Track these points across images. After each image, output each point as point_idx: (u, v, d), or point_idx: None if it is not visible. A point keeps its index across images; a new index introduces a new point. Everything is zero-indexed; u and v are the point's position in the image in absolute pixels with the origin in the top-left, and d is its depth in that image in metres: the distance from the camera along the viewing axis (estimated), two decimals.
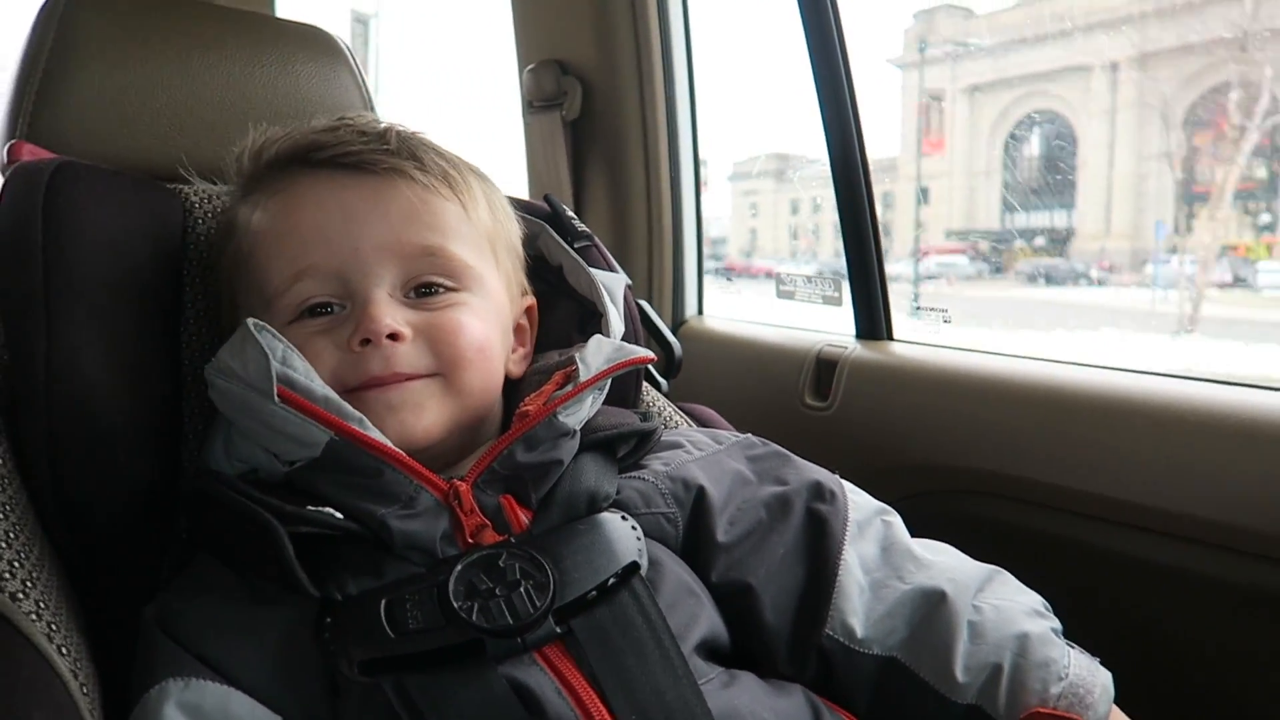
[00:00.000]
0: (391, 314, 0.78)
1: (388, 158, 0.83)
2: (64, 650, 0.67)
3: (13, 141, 0.94)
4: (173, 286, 0.89)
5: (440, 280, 0.82)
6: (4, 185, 0.81)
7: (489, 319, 0.84)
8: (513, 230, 0.94)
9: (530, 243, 1.01)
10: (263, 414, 0.73)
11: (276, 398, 0.73)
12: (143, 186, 0.91)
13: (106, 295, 0.80)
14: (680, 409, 1.14)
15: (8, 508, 0.72)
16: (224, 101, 1.07)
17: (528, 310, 0.94)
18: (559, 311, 0.99)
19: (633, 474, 0.83)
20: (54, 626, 0.68)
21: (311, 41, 1.20)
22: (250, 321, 0.76)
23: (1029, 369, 1.39)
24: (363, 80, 1.23)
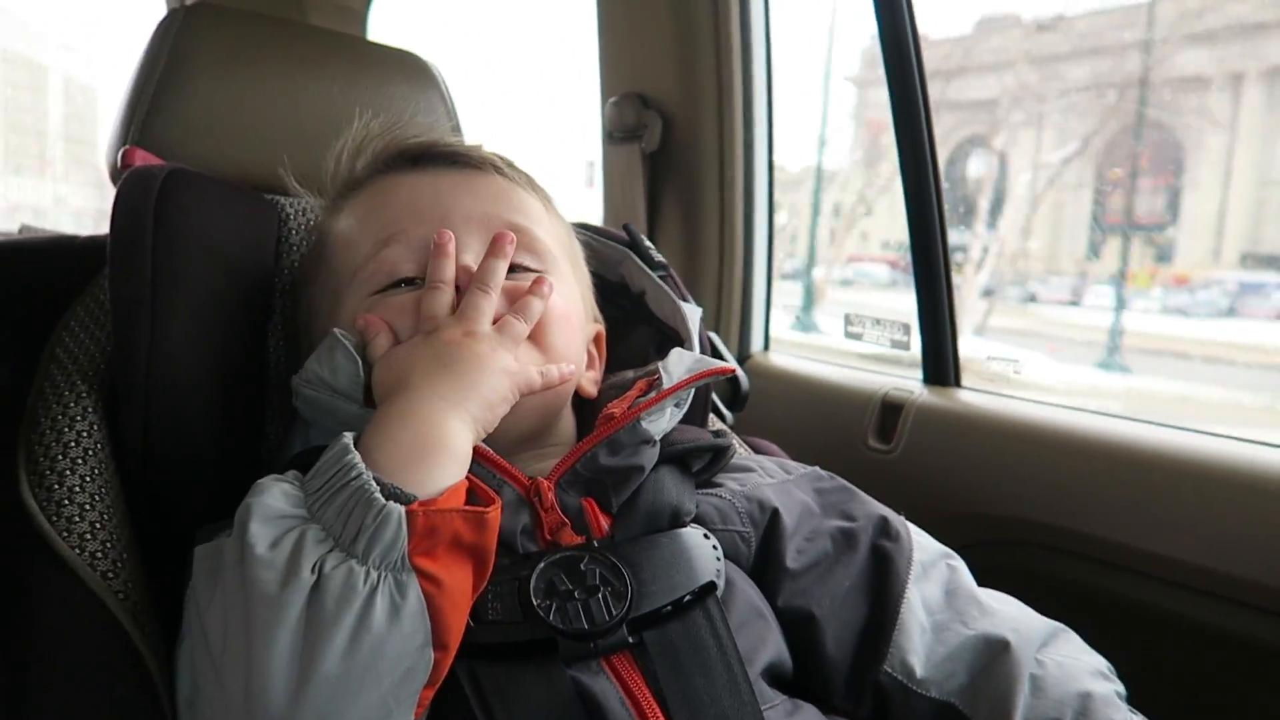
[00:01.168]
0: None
1: (479, 152, 0.90)
2: (146, 631, 0.71)
3: (126, 147, 1.00)
4: (264, 292, 0.93)
5: (524, 260, 0.84)
6: (119, 187, 0.85)
7: (571, 300, 0.87)
8: (582, 256, 0.98)
9: (613, 268, 1.04)
10: (347, 417, 0.76)
11: (361, 405, 0.75)
12: (244, 195, 0.96)
13: (206, 297, 0.84)
14: (745, 441, 1.15)
15: (103, 491, 0.76)
16: (321, 119, 1.11)
17: (597, 339, 0.95)
18: (637, 335, 1.01)
19: (709, 491, 0.84)
20: (140, 610, 0.72)
21: (406, 66, 1.24)
22: (336, 331, 0.78)
23: (1098, 424, 1.37)
24: (452, 104, 1.27)
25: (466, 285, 0.78)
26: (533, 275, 0.82)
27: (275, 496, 0.63)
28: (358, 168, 0.92)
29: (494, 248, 0.80)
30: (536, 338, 0.80)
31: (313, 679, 0.56)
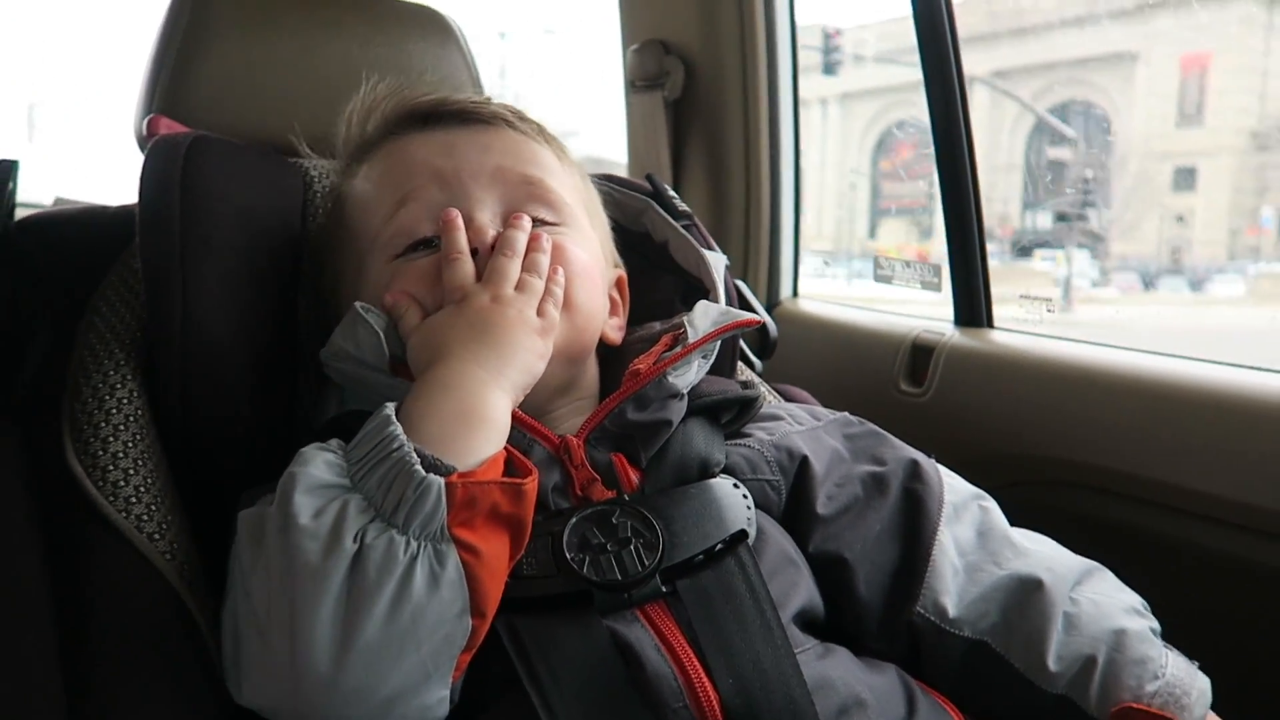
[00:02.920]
0: (494, 229, 0.81)
1: (489, 107, 0.90)
2: (195, 589, 0.74)
3: (151, 115, 1.00)
4: (292, 253, 0.94)
5: (540, 213, 0.85)
6: (146, 156, 0.86)
7: (589, 252, 0.87)
8: (601, 205, 0.98)
9: (635, 218, 1.03)
10: (378, 386, 0.77)
11: (389, 373, 0.77)
12: (268, 159, 0.96)
13: (235, 259, 0.85)
14: (774, 389, 1.15)
15: (145, 455, 0.78)
16: (341, 78, 1.11)
17: (619, 283, 0.96)
18: (662, 285, 1.01)
19: (738, 441, 0.84)
20: (187, 569, 0.75)
21: (424, 21, 1.24)
22: (358, 305, 0.79)
23: (1131, 360, 1.35)
24: (472, 59, 1.26)
25: (480, 245, 0.79)
26: (548, 229, 0.83)
27: (319, 466, 0.64)
28: (369, 129, 0.92)
29: (512, 221, 0.81)
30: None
31: (355, 645, 0.58)
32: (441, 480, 0.61)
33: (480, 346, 0.73)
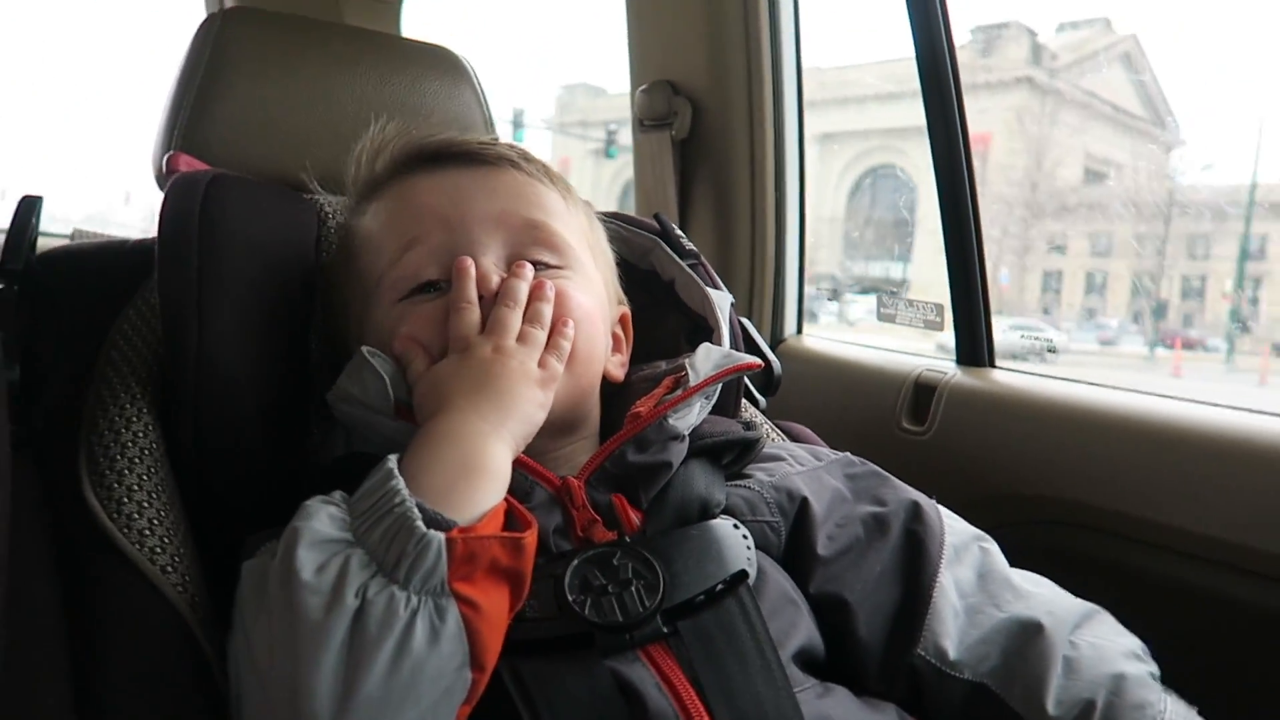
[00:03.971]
0: (498, 274, 0.82)
1: (495, 148, 0.91)
2: (205, 621, 0.75)
3: (171, 153, 1.03)
4: (306, 290, 0.95)
5: (544, 257, 0.86)
6: (166, 192, 0.88)
7: (592, 296, 0.88)
8: (607, 243, 0.99)
9: (643, 256, 1.05)
10: (384, 430, 0.79)
11: (395, 416, 0.78)
12: (284, 196, 0.98)
13: (251, 296, 0.87)
14: (777, 426, 1.16)
15: (159, 488, 0.79)
16: (357, 117, 1.13)
17: (622, 320, 0.97)
18: (668, 324, 1.03)
19: (738, 483, 0.85)
20: (198, 601, 0.76)
21: (438, 61, 1.26)
22: (364, 350, 0.81)
23: (1133, 402, 1.36)
24: (484, 97, 1.29)
25: (485, 290, 0.81)
26: (552, 274, 0.85)
27: (322, 520, 0.65)
28: (377, 169, 0.94)
29: (515, 270, 0.82)
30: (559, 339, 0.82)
31: (355, 699, 0.59)
32: (442, 536, 0.62)
33: (481, 398, 0.74)
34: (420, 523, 0.62)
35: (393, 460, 0.67)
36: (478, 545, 0.63)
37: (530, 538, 0.66)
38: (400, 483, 0.65)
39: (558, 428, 0.83)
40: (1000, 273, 8.84)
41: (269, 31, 1.17)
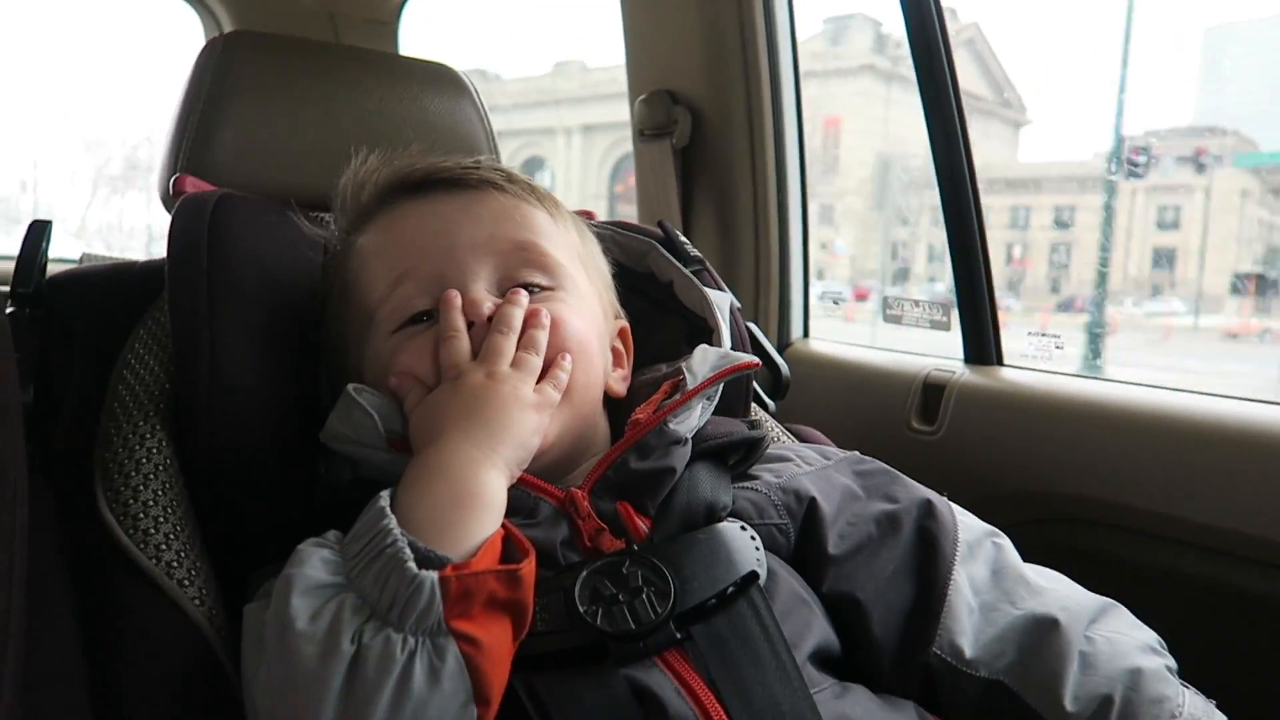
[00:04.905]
0: (491, 301, 0.82)
1: (478, 172, 0.90)
2: (222, 635, 0.75)
3: (177, 175, 1.04)
4: (314, 306, 0.96)
5: (535, 279, 0.86)
6: (174, 214, 0.89)
7: (586, 317, 0.88)
8: (600, 255, 0.98)
9: (640, 259, 1.05)
10: (384, 464, 0.79)
11: (388, 450, 0.78)
12: (290, 216, 0.99)
13: (260, 313, 0.87)
14: (787, 429, 1.16)
15: (174, 504, 0.80)
16: (359, 136, 1.14)
17: (621, 334, 0.96)
18: (668, 327, 1.02)
19: (745, 485, 0.85)
20: (215, 614, 0.76)
21: (439, 78, 1.27)
22: (351, 387, 0.81)
23: (1143, 396, 1.36)
24: (485, 114, 1.30)
25: (476, 318, 0.80)
26: (544, 295, 0.85)
27: (315, 566, 0.64)
28: (363, 200, 0.93)
29: (510, 297, 0.82)
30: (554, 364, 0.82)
31: None
32: (435, 576, 0.61)
33: (472, 424, 0.73)
34: (412, 563, 0.61)
35: (385, 497, 0.67)
36: (473, 582, 0.62)
37: (528, 567, 0.65)
38: (392, 521, 0.64)
39: (568, 456, 0.83)
40: (836, 244, 9.88)
41: (270, 54, 1.18)
